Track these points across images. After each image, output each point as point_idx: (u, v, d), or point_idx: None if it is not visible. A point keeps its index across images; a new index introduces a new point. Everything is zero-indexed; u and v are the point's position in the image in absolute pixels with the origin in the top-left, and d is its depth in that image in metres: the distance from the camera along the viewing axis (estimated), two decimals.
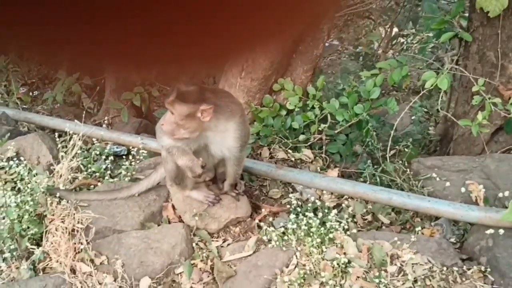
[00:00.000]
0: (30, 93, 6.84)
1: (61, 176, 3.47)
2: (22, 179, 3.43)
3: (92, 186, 3.50)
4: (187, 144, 2.83)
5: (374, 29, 9.48)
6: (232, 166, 3.09)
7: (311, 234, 2.88)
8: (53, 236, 2.97)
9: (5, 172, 3.58)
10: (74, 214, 3.06)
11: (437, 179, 3.46)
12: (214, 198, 3.13)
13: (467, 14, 4.53)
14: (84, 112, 6.03)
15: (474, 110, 4.33)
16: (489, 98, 3.84)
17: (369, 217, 3.44)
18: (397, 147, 4.13)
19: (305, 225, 2.91)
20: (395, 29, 7.47)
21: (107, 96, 5.92)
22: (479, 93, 3.89)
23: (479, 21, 4.23)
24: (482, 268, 2.80)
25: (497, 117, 4.16)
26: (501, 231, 2.82)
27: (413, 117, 5.76)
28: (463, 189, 3.23)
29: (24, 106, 6.04)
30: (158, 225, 3.12)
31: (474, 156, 4.25)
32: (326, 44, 9.78)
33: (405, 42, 8.89)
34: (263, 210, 3.29)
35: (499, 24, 4.05)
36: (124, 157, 4.05)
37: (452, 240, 3.16)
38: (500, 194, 3.12)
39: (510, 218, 2.26)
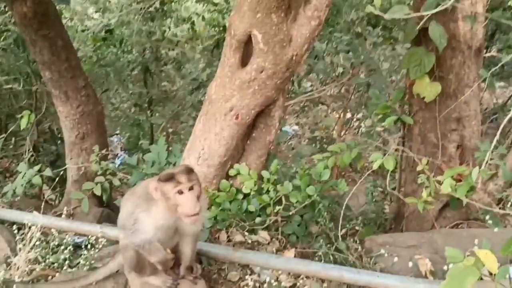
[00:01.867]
0: None
1: (18, 268, 3.47)
2: None
3: (50, 277, 3.50)
4: (165, 233, 2.95)
5: (329, 114, 9.95)
6: (191, 244, 3.18)
7: None
8: None
9: None
10: None
11: (386, 255, 3.61)
12: (172, 283, 3.18)
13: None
14: (45, 203, 6.06)
15: (421, 188, 4.54)
16: (434, 177, 4.08)
17: None
18: (347, 225, 4.29)
19: None
20: (348, 114, 7.89)
21: (69, 187, 5.97)
22: (423, 172, 4.14)
23: (418, 106, 4.58)
24: None
25: (443, 194, 4.39)
26: None
27: (367, 197, 6.00)
28: (411, 264, 3.38)
29: None
30: None
31: (424, 232, 4.45)
32: (288, 130, 10.17)
33: (359, 125, 9.34)
34: None
35: (436, 108, 4.41)
36: (83, 247, 4.08)
37: None
38: (445, 267, 3.28)
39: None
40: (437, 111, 4.42)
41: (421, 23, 3.42)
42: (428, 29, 3.94)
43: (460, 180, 4.24)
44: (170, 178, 2.77)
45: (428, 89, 4.17)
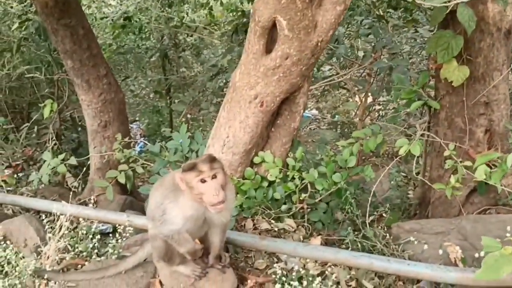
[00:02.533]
0: (15, 175, 6.89)
1: (48, 257, 3.51)
2: (9, 263, 3.46)
3: (79, 266, 3.54)
4: (194, 223, 2.95)
5: (349, 98, 9.85)
6: (220, 234, 3.18)
7: None
8: None
9: None
10: None
11: (415, 242, 3.57)
12: (200, 272, 3.19)
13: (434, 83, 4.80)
14: (68, 191, 6.13)
15: (448, 174, 4.51)
16: (461, 162, 4.02)
17: (353, 283, 3.51)
18: (375, 212, 4.26)
19: None
20: (370, 98, 7.78)
21: (92, 174, 6.01)
22: (451, 157, 4.08)
23: (445, 90, 4.49)
24: None
25: (470, 179, 4.33)
26: None
27: (391, 182, 5.94)
28: (440, 251, 3.34)
29: (9, 188, 6.09)
30: None
31: (451, 218, 4.40)
32: (307, 114, 10.11)
33: (381, 110, 9.24)
34: (249, 281, 3.35)
35: (464, 92, 4.32)
36: (110, 235, 4.11)
37: None
38: (476, 255, 3.24)
39: (483, 277, 2.36)
40: (465, 95, 4.33)
41: (450, 6, 3.34)
42: (455, 11, 3.85)
43: (488, 165, 4.18)
44: (192, 167, 2.76)
45: (456, 73, 4.08)
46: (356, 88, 7.82)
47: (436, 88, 4.66)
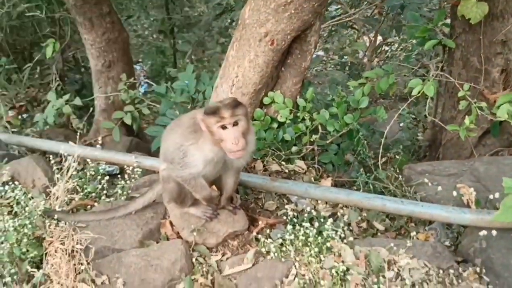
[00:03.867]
0: (19, 116, 6.84)
1: (57, 198, 3.48)
2: (18, 203, 3.43)
3: (89, 207, 3.52)
4: (213, 166, 2.90)
5: (358, 38, 9.61)
6: (234, 177, 3.14)
7: (309, 244, 2.92)
8: (53, 258, 2.97)
9: (1, 197, 3.58)
10: (73, 235, 3.07)
11: (429, 184, 3.52)
12: (212, 213, 3.16)
13: (449, 21, 4.63)
14: (73, 132, 6.08)
15: (461, 115, 4.43)
16: (475, 103, 3.92)
17: (364, 225, 3.50)
18: (388, 154, 4.20)
19: (302, 235, 2.95)
20: (379, 38, 7.58)
21: (97, 116, 5.95)
22: (465, 98, 3.98)
23: (461, 28, 4.34)
24: (477, 270, 2.86)
25: (484, 121, 4.26)
26: (494, 232, 2.88)
27: (401, 124, 5.86)
28: (454, 193, 3.29)
29: (14, 130, 6.04)
30: (157, 242, 3.14)
31: (463, 160, 4.34)
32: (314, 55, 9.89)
33: (389, 50, 9.04)
34: (260, 222, 3.33)
35: (481, 30, 4.17)
36: (119, 176, 4.08)
37: (447, 243, 3.22)
38: (491, 196, 3.20)
39: (502, 219, 2.32)
40: (482, 33, 4.17)
41: None
42: None
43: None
44: (214, 111, 2.66)
45: (474, 9, 3.91)
46: (365, 28, 7.60)
47: (452, 26, 4.49)
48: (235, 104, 2.68)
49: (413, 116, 6.29)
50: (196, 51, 8.42)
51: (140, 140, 5.74)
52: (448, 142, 4.68)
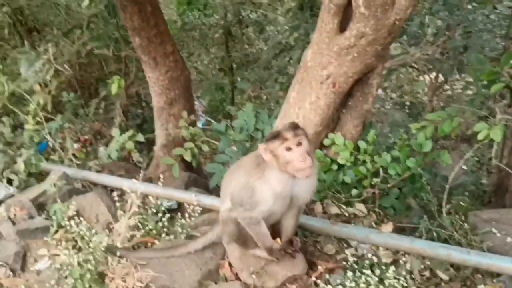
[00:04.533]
0: (84, 149, 7.07)
1: (119, 234, 3.56)
2: (82, 238, 3.53)
3: (149, 244, 3.57)
4: (282, 200, 2.88)
5: (418, 77, 9.48)
6: (295, 217, 3.11)
7: None
8: None
9: (66, 231, 3.70)
10: (134, 273, 3.12)
11: (498, 234, 3.39)
12: (278, 255, 3.14)
13: None
14: (134, 166, 6.22)
15: None
16: None
17: (427, 273, 3.37)
18: (452, 201, 4.07)
19: (363, 283, 2.88)
20: (441, 78, 7.45)
21: (157, 151, 6.09)
22: None
23: None
24: None
25: None
26: None
27: (464, 167, 5.69)
28: None
29: (78, 162, 6.26)
30: (216, 284, 3.14)
31: None
32: None
33: (450, 90, 8.85)
34: (319, 267, 3.27)
35: None
36: (177, 213, 4.12)
37: None
38: None
39: None
40: None
41: None
42: None
43: None
44: (276, 135, 2.69)
45: None
46: (426, 67, 7.49)
47: None
48: (295, 125, 2.73)
49: (477, 159, 6.11)
50: (255, 88, 8.53)
51: (198, 176, 5.81)
52: None
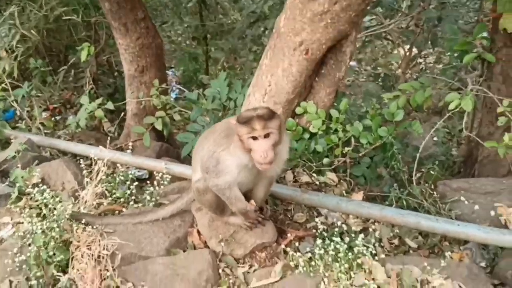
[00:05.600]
0: (52, 118, 6.93)
1: (85, 202, 3.48)
2: (47, 206, 3.43)
3: (117, 212, 3.50)
4: (248, 172, 2.83)
5: (392, 50, 9.46)
6: (266, 187, 3.09)
7: (339, 259, 2.84)
8: (79, 263, 2.96)
9: (31, 199, 3.60)
10: (99, 240, 3.06)
11: (465, 202, 3.41)
12: (251, 223, 3.11)
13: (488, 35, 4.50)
14: (104, 136, 6.11)
15: (499, 131, 4.29)
16: None
17: (396, 241, 3.40)
18: (423, 170, 4.08)
19: (332, 250, 2.86)
20: (414, 50, 7.44)
21: (128, 120, 5.97)
22: (504, 114, 3.84)
23: (502, 42, 4.22)
24: None
25: None
26: None
27: (434, 138, 5.72)
28: (492, 212, 3.18)
29: (46, 131, 6.12)
30: (184, 251, 3.10)
31: (500, 177, 4.19)
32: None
33: (423, 63, 8.87)
34: (288, 235, 3.26)
35: None
36: (147, 182, 4.07)
37: (482, 264, 3.10)
38: None
39: None
40: None
41: None
42: None
43: None
44: (246, 122, 2.60)
45: None
46: (400, 39, 7.46)
47: (492, 40, 4.35)
48: (269, 116, 2.60)
49: (447, 131, 6.14)
50: (229, 58, 8.40)
51: (170, 145, 5.73)
52: (485, 158, 4.53)
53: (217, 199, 2.95)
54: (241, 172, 2.80)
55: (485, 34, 4.32)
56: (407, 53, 6.95)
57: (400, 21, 6.97)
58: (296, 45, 3.75)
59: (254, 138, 2.60)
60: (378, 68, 8.80)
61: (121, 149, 5.44)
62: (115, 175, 3.84)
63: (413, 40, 6.76)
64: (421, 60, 8.87)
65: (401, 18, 6.73)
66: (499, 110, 3.88)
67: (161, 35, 6.25)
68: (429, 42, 7.10)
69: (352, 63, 10.83)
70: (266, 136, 2.60)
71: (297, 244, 3.17)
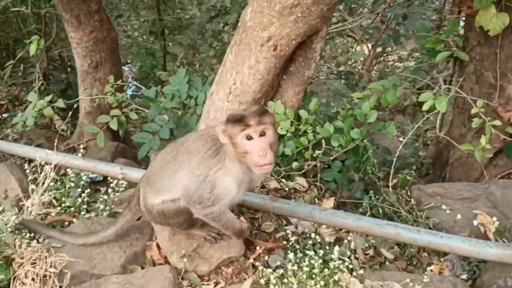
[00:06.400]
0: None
1: (31, 213, 3.13)
2: None
3: (66, 223, 3.16)
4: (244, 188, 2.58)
5: (352, 47, 9.37)
6: None
7: (314, 275, 2.60)
8: (23, 284, 2.62)
9: None
10: (46, 257, 2.72)
11: (444, 208, 3.28)
12: (216, 234, 2.84)
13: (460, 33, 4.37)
14: (56, 135, 5.71)
15: (472, 133, 4.17)
16: (489, 121, 3.64)
17: (371, 252, 3.18)
18: (399, 174, 3.91)
19: (306, 266, 2.62)
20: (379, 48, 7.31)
21: (81, 118, 5.61)
22: (478, 115, 3.70)
23: (476, 40, 4.07)
24: None
25: (497, 140, 3.97)
26: None
27: (400, 138, 5.58)
28: (475, 222, 3.02)
29: None
30: (142, 268, 2.80)
31: (473, 181, 4.07)
32: None
33: (386, 60, 8.79)
34: (257, 247, 2.99)
35: (498, 43, 3.90)
36: (101, 188, 3.73)
37: (463, 277, 2.93)
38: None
39: None
40: (499, 46, 3.89)
41: None
42: None
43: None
44: (239, 119, 2.32)
45: (493, 21, 3.63)
46: (364, 37, 7.31)
47: (466, 38, 4.20)
48: (262, 111, 2.33)
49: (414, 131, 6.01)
50: (187, 54, 8.08)
51: (127, 146, 5.41)
52: (456, 161, 4.39)
53: (190, 219, 2.66)
54: (240, 190, 2.53)
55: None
56: (371, 51, 6.80)
57: (365, 18, 6.81)
58: (263, 40, 3.48)
59: (249, 138, 2.32)
60: (340, 65, 8.65)
61: (73, 149, 5.10)
62: (65, 180, 3.48)
63: (378, 37, 6.61)
64: (388, 59, 8.78)
65: (366, 15, 6.57)
66: (473, 111, 3.74)
67: (117, 29, 5.91)
68: (392, 40, 6.98)
69: None
70: (262, 134, 2.33)
71: (266, 257, 2.91)
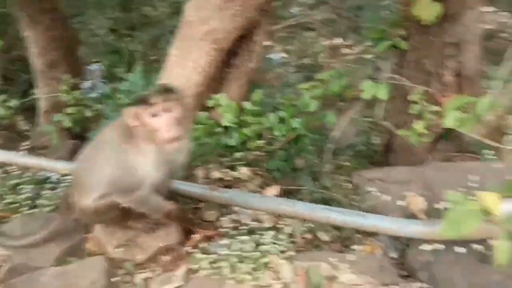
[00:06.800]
0: None
1: None
2: None
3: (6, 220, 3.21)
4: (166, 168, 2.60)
5: (315, 40, 9.45)
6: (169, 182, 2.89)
7: (244, 259, 2.69)
8: None
9: None
10: None
11: (378, 192, 3.36)
12: (153, 224, 2.90)
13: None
14: (18, 135, 5.73)
15: (412, 119, 4.27)
16: (425, 106, 3.76)
17: (309, 235, 3.27)
18: (345, 162, 4.01)
19: (238, 250, 2.72)
20: (340, 40, 7.42)
21: (40, 118, 5.62)
22: (417, 102, 3.82)
23: (414, 29, 4.17)
24: (424, 285, 2.68)
25: (437, 125, 4.09)
26: (442, 246, 2.71)
27: (352, 128, 5.66)
28: (403, 203, 3.13)
29: None
30: (80, 259, 2.87)
31: (415, 165, 4.18)
32: (277, 57, 9.72)
33: (353, 53, 8.90)
34: (196, 235, 3.07)
35: (434, 32, 4.01)
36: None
37: (394, 255, 3.03)
38: (438, 205, 3.04)
39: (445, 234, 2.12)
40: (434, 35, 4.01)
41: None
42: None
43: None
44: (143, 99, 2.38)
45: (427, 10, 3.75)
46: (323, 30, 7.42)
47: (406, 27, 4.32)
48: (167, 88, 2.42)
49: (371, 120, 6.11)
50: (148, 51, 8.09)
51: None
52: (399, 147, 4.51)
53: (123, 214, 2.71)
54: (160, 169, 2.57)
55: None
56: (330, 43, 6.91)
57: (324, 12, 6.92)
58: (203, 34, 3.56)
59: (155, 115, 2.39)
60: (306, 59, 8.75)
61: (33, 149, 5.12)
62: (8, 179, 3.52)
63: (337, 30, 6.72)
64: (346, 50, 8.89)
65: (322, 8, 6.68)
66: (411, 98, 3.85)
67: (82, 27, 5.90)
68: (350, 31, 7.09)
69: (283, 54, 10.75)
70: (167, 110, 2.40)
71: (206, 244, 2.99)
